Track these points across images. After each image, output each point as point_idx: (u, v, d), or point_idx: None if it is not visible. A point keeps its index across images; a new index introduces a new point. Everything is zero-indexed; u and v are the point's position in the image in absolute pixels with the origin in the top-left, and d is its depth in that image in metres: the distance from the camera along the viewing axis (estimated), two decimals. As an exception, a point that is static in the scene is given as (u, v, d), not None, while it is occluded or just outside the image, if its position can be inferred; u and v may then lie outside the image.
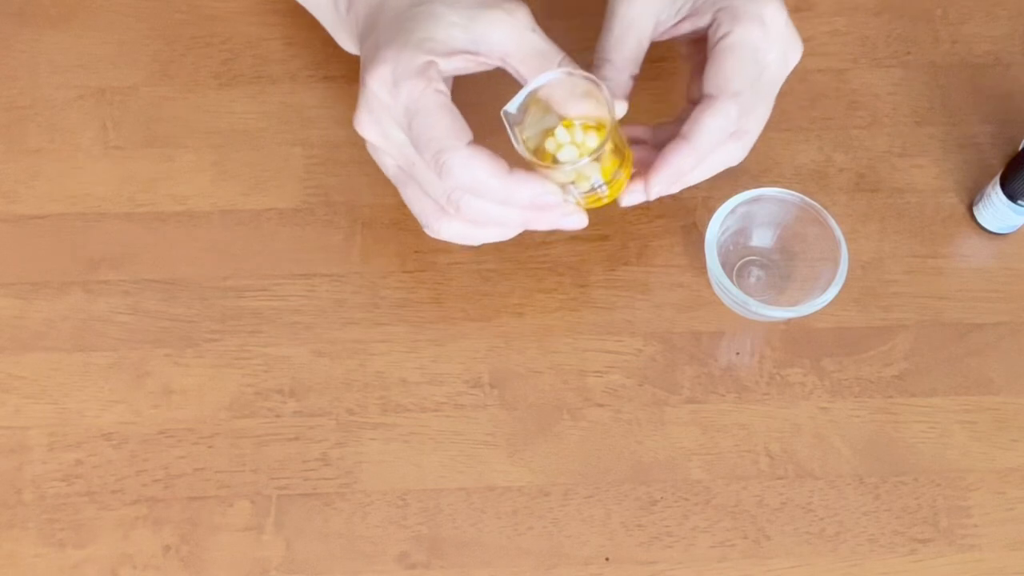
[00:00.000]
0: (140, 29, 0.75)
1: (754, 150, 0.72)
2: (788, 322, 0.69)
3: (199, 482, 0.65)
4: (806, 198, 0.67)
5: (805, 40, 0.76)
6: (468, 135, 0.58)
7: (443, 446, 0.66)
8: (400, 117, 0.58)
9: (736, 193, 0.67)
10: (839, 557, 0.64)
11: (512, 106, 0.58)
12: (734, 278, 0.69)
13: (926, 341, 0.69)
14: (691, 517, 0.65)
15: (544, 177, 0.59)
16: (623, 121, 0.61)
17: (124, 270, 0.69)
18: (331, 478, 0.65)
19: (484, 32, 0.59)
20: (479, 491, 0.65)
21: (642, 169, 0.62)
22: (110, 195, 0.71)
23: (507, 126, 0.58)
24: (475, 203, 0.59)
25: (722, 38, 0.60)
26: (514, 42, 0.60)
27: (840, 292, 0.66)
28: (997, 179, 0.69)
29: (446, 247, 0.70)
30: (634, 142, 0.64)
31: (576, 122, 0.59)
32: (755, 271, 0.70)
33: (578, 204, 0.61)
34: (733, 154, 0.64)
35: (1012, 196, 0.68)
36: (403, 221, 0.70)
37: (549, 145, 0.59)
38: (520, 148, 0.58)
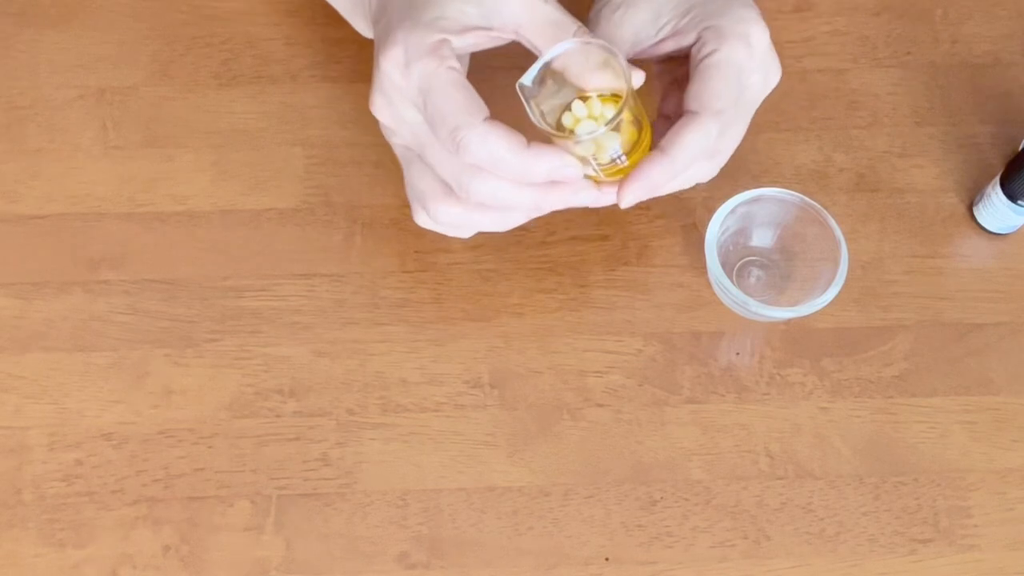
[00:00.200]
0: (140, 29, 0.75)
1: (754, 150, 0.73)
2: (788, 322, 0.69)
3: (199, 482, 0.65)
4: (806, 198, 0.67)
5: (805, 40, 0.76)
6: (484, 111, 0.57)
7: (443, 446, 0.66)
8: (415, 97, 0.58)
9: (736, 193, 0.67)
10: (839, 557, 0.64)
11: (527, 79, 0.57)
12: (734, 278, 0.69)
13: (926, 341, 0.69)
14: (691, 517, 0.65)
15: (563, 150, 0.58)
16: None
17: (124, 270, 0.69)
18: (331, 478, 0.65)
19: (496, 5, 0.59)
20: (479, 491, 0.65)
21: None
22: (110, 195, 0.71)
23: (523, 99, 0.57)
24: (486, 185, 0.58)
25: (707, 56, 0.60)
26: (527, 13, 0.59)
27: (840, 292, 0.66)
28: (997, 179, 0.69)
29: (446, 247, 0.70)
30: None
31: (593, 95, 0.58)
32: (755, 271, 0.70)
33: (598, 177, 0.60)
34: (705, 171, 0.63)
35: (1012, 196, 0.68)
36: (403, 221, 0.70)
37: (566, 119, 0.58)
38: (537, 120, 0.57)
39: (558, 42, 0.58)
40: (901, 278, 0.70)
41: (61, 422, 0.66)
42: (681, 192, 0.71)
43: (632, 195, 0.59)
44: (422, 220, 0.63)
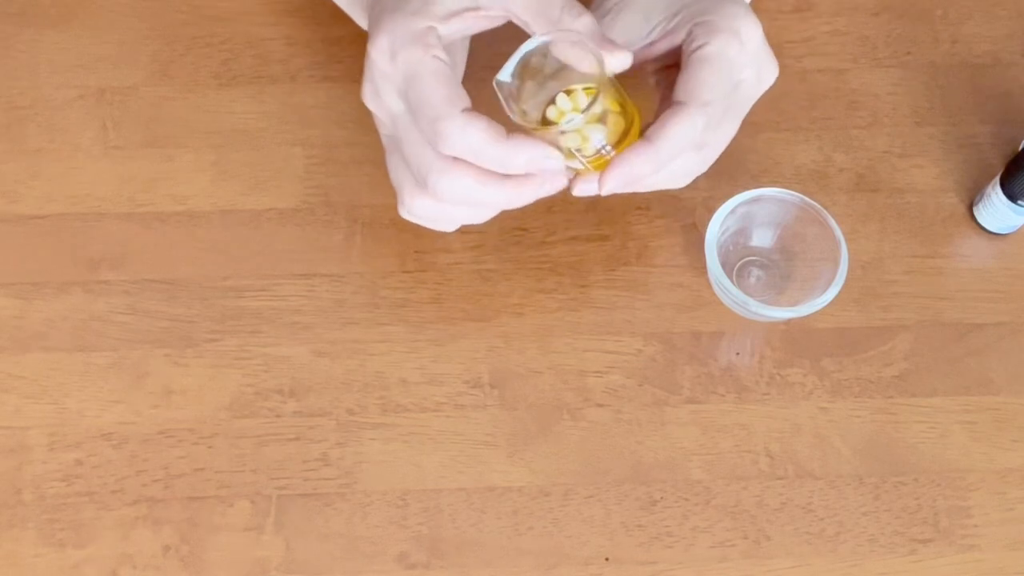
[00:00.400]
0: (140, 29, 0.75)
1: (754, 150, 0.73)
2: (788, 322, 0.69)
3: (199, 482, 0.65)
4: (806, 198, 0.67)
5: (805, 40, 0.76)
6: (465, 102, 0.57)
7: (443, 446, 0.66)
8: (400, 85, 0.58)
9: (736, 193, 0.67)
10: (839, 557, 0.64)
11: (504, 74, 0.57)
12: (734, 278, 0.69)
13: (926, 341, 0.69)
14: (691, 517, 0.65)
15: (544, 142, 0.57)
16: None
17: (124, 270, 0.69)
18: (331, 478, 0.65)
19: None
20: (479, 491, 0.65)
21: None
22: (110, 195, 0.71)
23: (500, 96, 0.57)
24: (455, 183, 0.58)
25: (697, 49, 0.59)
26: None
27: (840, 292, 0.66)
28: (997, 179, 0.69)
29: (446, 247, 0.70)
30: None
31: (578, 87, 0.58)
32: (755, 271, 0.70)
33: (586, 170, 0.60)
34: (694, 165, 0.62)
35: (1012, 196, 0.68)
36: (403, 221, 0.70)
37: (551, 113, 0.58)
38: (516, 117, 0.57)
39: (546, 17, 0.57)
40: (901, 278, 0.70)
41: (61, 422, 0.66)
42: (681, 192, 0.71)
43: (614, 183, 0.58)
44: (403, 212, 0.62)
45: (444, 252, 0.70)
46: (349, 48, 0.75)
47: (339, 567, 0.63)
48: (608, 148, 0.59)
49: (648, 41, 0.62)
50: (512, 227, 0.71)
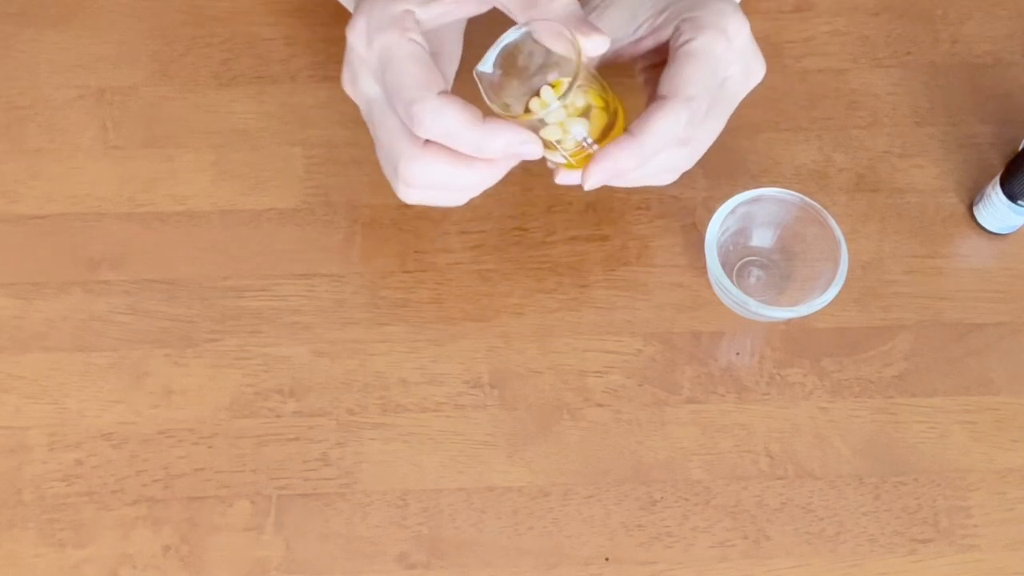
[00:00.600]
0: (140, 29, 0.75)
1: (754, 150, 0.73)
2: (788, 322, 0.69)
3: (199, 482, 0.65)
4: (806, 198, 0.67)
5: (805, 40, 0.76)
6: (441, 85, 0.57)
7: (443, 446, 0.66)
8: (376, 69, 0.58)
9: (736, 193, 0.67)
10: (839, 557, 0.64)
11: (485, 65, 0.57)
12: (734, 278, 0.69)
13: (926, 341, 0.69)
14: (691, 517, 0.65)
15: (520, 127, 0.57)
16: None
17: (124, 270, 0.69)
18: (331, 478, 0.65)
19: None
20: (479, 491, 0.65)
21: None
22: (110, 195, 0.71)
23: (480, 87, 0.57)
24: (425, 170, 0.58)
25: (683, 44, 0.59)
26: None
27: (840, 292, 0.66)
28: (997, 179, 0.69)
29: (446, 247, 0.70)
30: None
31: (565, 80, 0.57)
32: (755, 271, 0.70)
33: (569, 163, 0.60)
34: (679, 161, 0.62)
35: (1012, 196, 0.68)
36: (403, 221, 0.70)
37: (534, 105, 0.57)
38: (497, 108, 0.56)
39: (525, 1, 0.57)
40: (901, 278, 0.70)
41: (61, 422, 0.66)
42: (681, 192, 0.71)
43: (597, 176, 0.58)
44: (402, 196, 0.62)
45: (444, 252, 0.70)
46: (349, 48, 0.75)
47: (339, 567, 0.63)
48: (590, 142, 0.58)
49: (635, 37, 0.62)
50: (512, 227, 0.71)
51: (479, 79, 0.57)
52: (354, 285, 0.69)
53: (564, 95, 0.56)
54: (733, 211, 0.67)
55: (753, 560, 0.64)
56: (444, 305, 0.69)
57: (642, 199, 0.71)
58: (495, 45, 0.57)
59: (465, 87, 0.59)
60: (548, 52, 0.58)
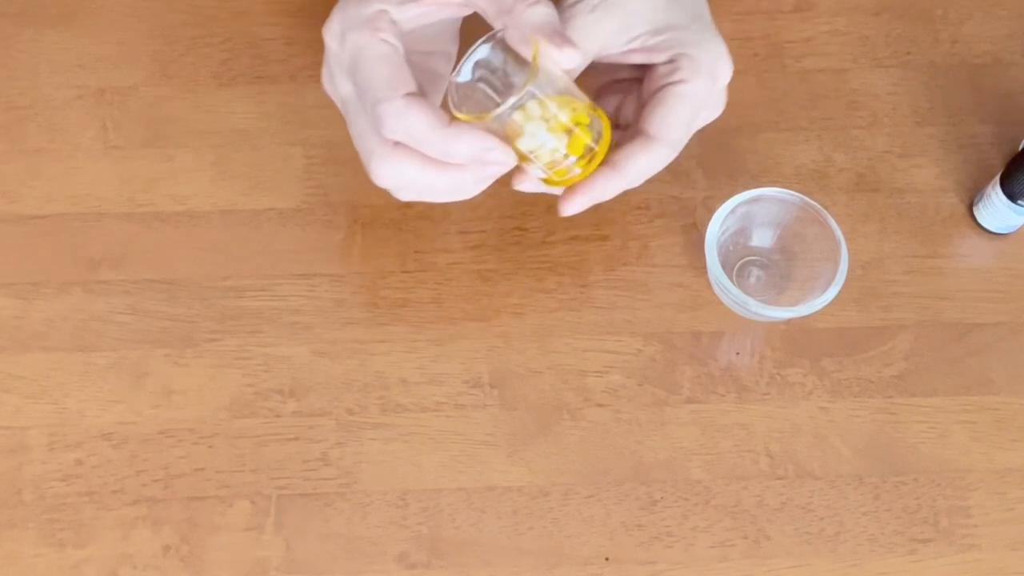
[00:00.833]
0: (140, 29, 0.75)
1: (754, 150, 0.73)
2: (788, 322, 0.69)
3: (199, 482, 0.65)
4: (806, 198, 0.67)
5: (805, 40, 0.76)
6: (407, 87, 0.56)
7: (443, 446, 0.66)
8: (348, 68, 0.58)
9: (736, 193, 0.67)
10: (839, 557, 0.64)
11: (460, 76, 0.57)
12: (734, 278, 0.69)
13: (926, 341, 0.69)
14: (691, 517, 0.65)
15: (489, 134, 0.56)
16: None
17: (124, 270, 0.69)
18: (331, 478, 0.65)
19: None
20: (479, 491, 0.65)
21: None
22: (110, 195, 0.71)
23: (450, 94, 0.56)
24: (391, 169, 0.58)
25: (677, 83, 0.60)
26: None
27: (840, 292, 0.66)
28: (997, 179, 0.69)
29: (446, 247, 0.70)
30: None
31: (526, 87, 0.56)
32: (755, 271, 0.70)
33: (550, 180, 0.60)
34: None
35: (1012, 196, 0.68)
36: (403, 221, 0.70)
37: (517, 117, 0.57)
38: (458, 114, 0.56)
39: (501, 3, 0.57)
40: (901, 278, 0.70)
41: (61, 422, 0.66)
42: (681, 192, 0.71)
43: (577, 205, 0.60)
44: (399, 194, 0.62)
45: (444, 252, 0.70)
46: (349, 48, 0.75)
47: (339, 567, 0.63)
48: (572, 160, 0.58)
49: (626, 49, 0.61)
50: (512, 227, 0.71)
51: (449, 89, 0.57)
52: (354, 285, 0.69)
53: (519, 100, 0.55)
54: (733, 211, 0.67)
55: (753, 560, 0.64)
56: (444, 305, 0.69)
57: (642, 199, 0.71)
58: (467, 55, 0.57)
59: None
60: (520, 60, 0.57)
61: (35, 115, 0.73)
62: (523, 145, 0.57)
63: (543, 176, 0.60)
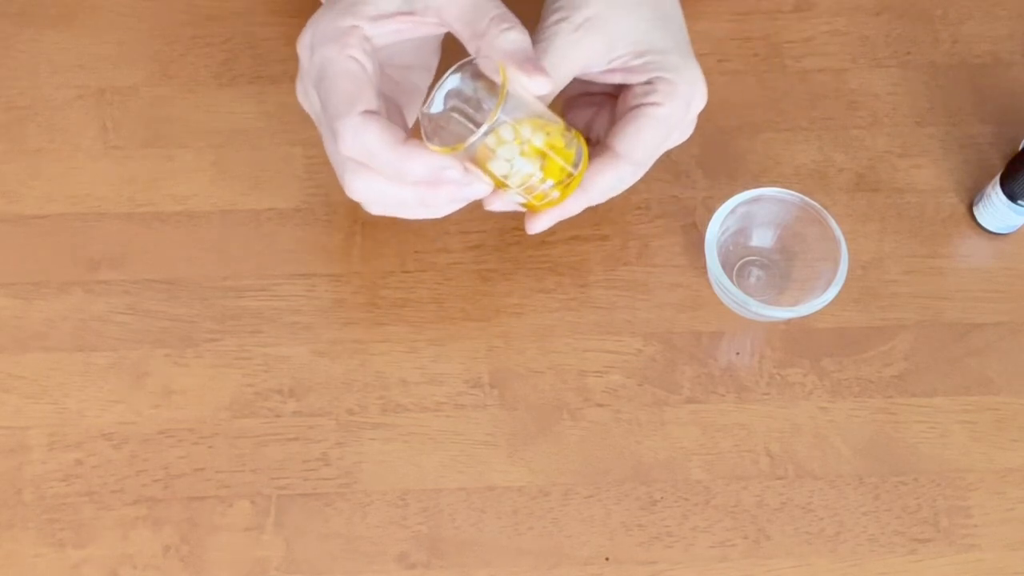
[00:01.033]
0: (140, 29, 0.75)
1: (754, 150, 0.73)
2: (788, 322, 0.69)
3: (199, 482, 0.65)
4: (806, 198, 0.67)
5: (805, 40, 0.76)
6: (366, 104, 0.56)
7: (443, 446, 0.66)
8: (316, 81, 0.58)
9: (736, 193, 0.67)
10: (839, 557, 0.64)
11: (432, 107, 0.56)
12: (734, 278, 0.69)
13: (926, 341, 0.69)
14: (691, 517, 0.65)
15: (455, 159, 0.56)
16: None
17: (124, 270, 0.69)
18: (331, 478, 0.65)
19: None
20: (479, 491, 0.65)
21: None
22: (110, 195, 0.71)
23: (423, 125, 0.56)
24: (360, 180, 0.58)
25: (652, 105, 0.60)
26: None
27: (840, 292, 0.66)
28: (997, 179, 0.69)
29: (446, 247, 0.70)
30: None
31: (524, 119, 0.56)
32: (755, 271, 0.70)
33: (529, 205, 0.60)
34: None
35: (1012, 196, 0.68)
36: (403, 221, 0.70)
37: (490, 141, 0.56)
38: (430, 146, 0.55)
39: (475, 27, 0.57)
40: (901, 278, 0.70)
41: (61, 422, 0.66)
42: (681, 192, 0.71)
43: (543, 223, 0.61)
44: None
45: (444, 252, 0.70)
46: (349, 48, 0.75)
47: (339, 567, 0.63)
48: (549, 185, 0.58)
49: (607, 68, 0.61)
50: (512, 227, 0.71)
51: (421, 120, 0.56)
52: (354, 285, 0.69)
53: (489, 128, 0.54)
54: (733, 211, 0.67)
55: (753, 560, 0.64)
56: (444, 305, 0.69)
57: (642, 199, 0.71)
58: (438, 85, 0.56)
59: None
60: (492, 86, 0.57)
61: (35, 115, 0.73)
62: (496, 170, 0.57)
63: (522, 201, 0.60)
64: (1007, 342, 0.69)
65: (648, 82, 0.61)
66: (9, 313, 0.68)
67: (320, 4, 0.61)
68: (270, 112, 0.73)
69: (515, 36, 0.56)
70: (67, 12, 0.76)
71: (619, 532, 0.64)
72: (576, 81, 0.62)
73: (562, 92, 0.62)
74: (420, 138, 0.56)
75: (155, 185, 0.71)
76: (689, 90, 0.61)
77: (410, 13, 0.58)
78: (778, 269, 0.70)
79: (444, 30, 0.60)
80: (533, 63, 0.56)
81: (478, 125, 0.55)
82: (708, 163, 0.72)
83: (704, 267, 0.67)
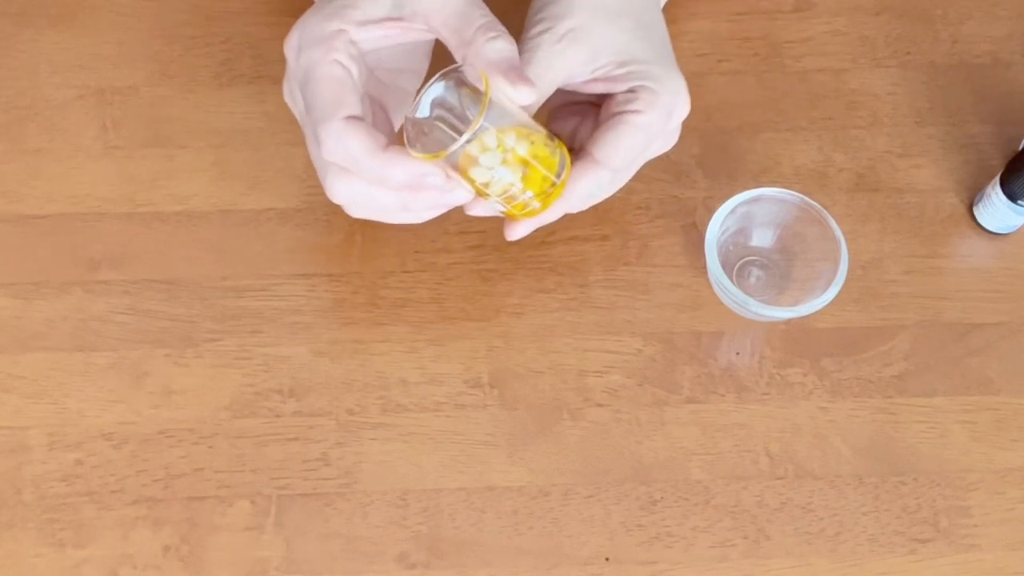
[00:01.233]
0: (140, 29, 0.75)
1: (754, 150, 0.73)
2: (788, 322, 0.69)
3: (199, 482, 0.65)
4: (806, 198, 0.67)
5: (805, 40, 0.76)
6: (350, 109, 0.56)
7: (443, 446, 0.66)
8: (302, 83, 0.58)
9: (736, 193, 0.67)
10: (839, 557, 0.64)
11: (417, 112, 0.56)
12: (734, 278, 0.69)
13: (926, 341, 0.69)
14: (691, 517, 0.65)
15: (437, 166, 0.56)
16: None
17: (124, 270, 0.69)
18: (331, 478, 0.65)
19: None
20: (479, 491, 0.65)
21: None
22: (110, 195, 0.71)
23: (406, 130, 0.56)
24: (342, 184, 0.58)
25: (633, 113, 0.60)
26: (437, 2, 0.58)
27: (840, 292, 0.66)
28: (997, 179, 0.69)
29: (446, 247, 0.70)
30: None
31: (507, 126, 0.56)
32: (755, 271, 0.70)
33: (510, 213, 0.60)
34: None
35: (1012, 196, 0.68)
36: (403, 221, 0.70)
37: (473, 149, 0.56)
38: (413, 152, 0.56)
39: (462, 35, 0.57)
40: (901, 278, 0.70)
41: (61, 422, 0.66)
42: (681, 192, 0.71)
43: (521, 230, 0.62)
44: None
45: (444, 252, 0.70)
46: (349, 48, 0.75)
47: (339, 567, 0.63)
48: (530, 196, 0.58)
49: (590, 78, 0.61)
50: (512, 227, 0.71)
51: (405, 125, 0.56)
52: (354, 285, 0.69)
53: (471, 136, 0.54)
54: (733, 211, 0.67)
55: (753, 560, 0.64)
56: (444, 305, 0.69)
57: (642, 199, 0.71)
58: (424, 90, 0.56)
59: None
60: (477, 95, 0.57)
61: (35, 115, 0.73)
62: (477, 177, 0.57)
63: (503, 209, 0.60)
64: (1007, 342, 0.69)
65: (630, 91, 0.61)
66: (9, 313, 0.68)
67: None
68: (270, 112, 0.73)
69: (501, 45, 0.57)
70: (67, 12, 0.76)
71: (619, 532, 0.64)
72: (559, 91, 0.62)
73: (546, 102, 0.62)
74: (404, 141, 0.56)
75: (155, 185, 0.71)
76: (671, 99, 0.61)
77: (398, 19, 0.58)
78: (778, 269, 0.70)
79: (433, 36, 0.60)
80: (518, 72, 0.56)
81: (460, 135, 0.55)
82: (708, 163, 0.72)
83: (704, 267, 0.67)
